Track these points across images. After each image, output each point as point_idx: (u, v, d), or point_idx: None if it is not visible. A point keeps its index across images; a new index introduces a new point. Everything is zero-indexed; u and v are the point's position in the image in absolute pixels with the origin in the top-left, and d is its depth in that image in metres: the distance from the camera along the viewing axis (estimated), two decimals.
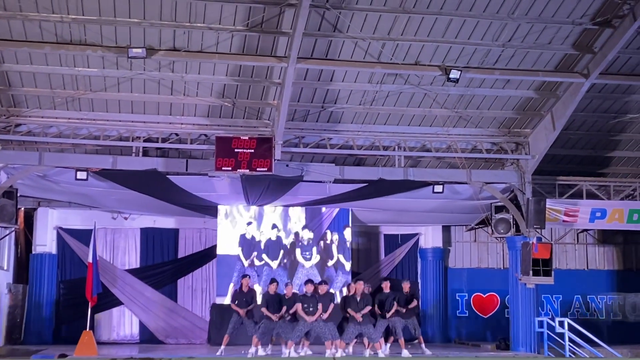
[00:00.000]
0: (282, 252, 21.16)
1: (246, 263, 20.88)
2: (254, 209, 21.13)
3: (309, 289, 16.70)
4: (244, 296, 17.40)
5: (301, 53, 16.34)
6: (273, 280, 17.50)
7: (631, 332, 24.12)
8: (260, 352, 16.86)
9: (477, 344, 21.94)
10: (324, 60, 17.25)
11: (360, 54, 17.20)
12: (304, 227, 21.44)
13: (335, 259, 21.43)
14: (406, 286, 17.92)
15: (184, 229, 22.67)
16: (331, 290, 18.62)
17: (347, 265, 21.39)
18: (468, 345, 22.25)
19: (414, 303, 17.82)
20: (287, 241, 21.29)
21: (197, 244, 22.67)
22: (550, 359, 18.60)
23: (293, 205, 21.10)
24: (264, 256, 21.00)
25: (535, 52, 17.56)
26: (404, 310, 17.45)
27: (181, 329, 21.84)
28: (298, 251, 21.23)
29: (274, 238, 21.18)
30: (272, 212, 21.27)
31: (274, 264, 21.02)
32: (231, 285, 20.52)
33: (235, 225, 21.08)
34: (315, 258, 21.31)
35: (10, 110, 18.35)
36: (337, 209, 21.53)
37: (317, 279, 19.93)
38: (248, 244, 21.06)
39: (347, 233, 21.59)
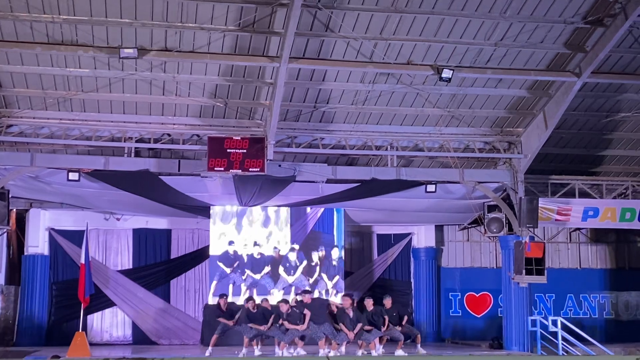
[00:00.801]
0: (265, 267, 21.05)
1: (228, 270, 20.79)
2: (240, 211, 21.01)
3: (293, 302, 17.03)
4: (224, 314, 17.79)
5: (293, 53, 16.33)
6: (250, 298, 17.63)
7: (624, 331, 24.17)
8: (257, 352, 16.96)
9: (470, 343, 21.95)
10: (316, 60, 17.24)
11: (352, 54, 17.19)
12: (291, 249, 21.18)
13: (315, 276, 21.28)
14: (388, 302, 17.74)
15: (176, 229, 22.58)
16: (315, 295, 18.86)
17: (329, 284, 21.21)
18: (461, 344, 22.24)
19: (405, 319, 17.75)
20: (270, 254, 21.17)
21: (190, 245, 22.59)
22: (543, 357, 18.63)
23: (285, 206, 21.04)
24: (247, 271, 20.88)
25: (527, 51, 17.59)
26: (399, 329, 17.38)
27: (174, 330, 21.77)
28: (281, 268, 21.09)
29: (256, 255, 21.04)
30: (259, 213, 21.12)
31: (258, 276, 20.94)
32: (214, 283, 20.52)
33: (227, 225, 20.99)
34: (298, 273, 21.19)
35: (2, 111, 18.29)
36: (322, 209, 21.43)
37: (302, 284, 20.43)
38: (230, 259, 20.95)
39: (335, 252, 21.42)
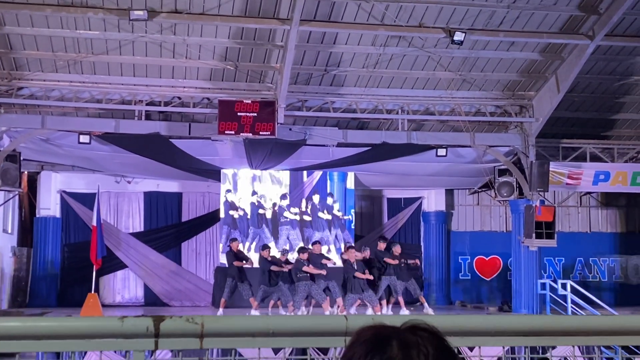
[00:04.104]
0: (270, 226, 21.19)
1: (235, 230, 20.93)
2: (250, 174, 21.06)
3: (303, 256, 17.12)
4: (236, 257, 18.03)
5: (304, 15, 16.18)
6: (265, 247, 17.91)
7: (633, 294, 24.22)
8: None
9: (479, 306, 22.07)
10: (327, 23, 17.11)
11: (363, 16, 17.06)
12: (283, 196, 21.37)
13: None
14: (397, 250, 18.02)
15: (187, 192, 22.70)
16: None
17: (325, 216, 21.34)
18: (470, 307, 22.37)
19: (416, 262, 18.03)
20: (268, 207, 21.26)
21: (201, 208, 22.72)
22: (552, 316, 18.72)
23: (297, 170, 21.08)
24: (252, 228, 20.99)
25: (540, 13, 17.39)
26: (403, 264, 17.67)
27: (185, 292, 21.98)
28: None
29: (267, 215, 21.16)
30: (267, 177, 21.19)
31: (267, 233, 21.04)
32: (220, 245, 20.67)
33: (237, 190, 21.06)
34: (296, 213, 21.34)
35: (12, 73, 18.26)
36: (318, 175, 21.44)
37: (298, 241, 20.48)
38: (237, 220, 21.07)
39: (338, 213, 21.55)
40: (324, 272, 16.98)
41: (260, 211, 21.03)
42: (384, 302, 17.50)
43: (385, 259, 17.82)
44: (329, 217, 21.29)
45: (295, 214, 21.20)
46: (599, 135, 22.45)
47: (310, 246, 18.16)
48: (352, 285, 16.91)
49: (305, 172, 21.38)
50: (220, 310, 17.30)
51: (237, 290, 17.90)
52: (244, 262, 17.98)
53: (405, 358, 1.87)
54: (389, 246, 18.48)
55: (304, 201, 21.31)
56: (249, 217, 20.93)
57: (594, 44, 17.62)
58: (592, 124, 22.30)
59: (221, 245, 20.67)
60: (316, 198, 21.34)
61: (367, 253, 18.05)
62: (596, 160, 21.39)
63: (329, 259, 17.96)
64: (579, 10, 17.31)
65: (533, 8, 17.13)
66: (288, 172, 21.15)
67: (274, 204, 21.12)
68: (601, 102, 21.58)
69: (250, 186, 21.08)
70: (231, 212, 20.93)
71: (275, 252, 19.04)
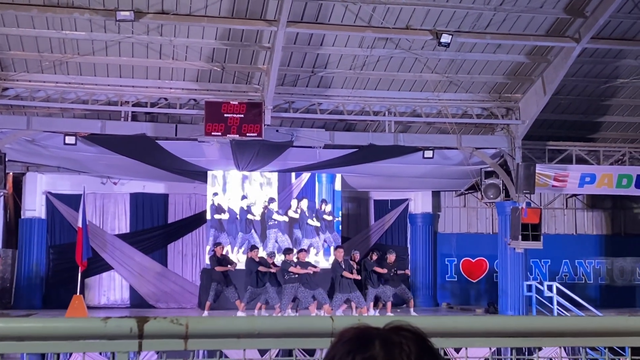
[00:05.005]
0: (256, 228, 21.14)
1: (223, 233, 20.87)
2: (238, 175, 21.02)
3: (290, 257, 17.24)
4: (219, 262, 18.06)
5: (291, 17, 16.18)
6: (254, 247, 17.91)
7: (619, 296, 24.34)
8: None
9: (466, 308, 22.11)
10: (314, 24, 17.11)
11: (350, 18, 17.06)
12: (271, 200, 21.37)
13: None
14: (391, 258, 18.16)
15: (173, 194, 22.62)
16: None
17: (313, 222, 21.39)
18: (457, 309, 22.40)
19: (406, 272, 18.20)
20: (256, 211, 21.23)
21: (187, 209, 22.66)
22: (539, 317, 18.77)
23: (284, 171, 21.05)
24: (240, 233, 20.95)
25: (526, 16, 17.46)
26: (392, 273, 17.77)
27: (171, 294, 21.91)
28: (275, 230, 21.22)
29: (253, 217, 21.12)
30: (255, 179, 21.13)
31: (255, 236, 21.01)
32: (207, 247, 20.64)
33: (226, 192, 21.02)
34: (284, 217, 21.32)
35: None
36: (307, 177, 21.42)
37: (286, 244, 20.35)
38: (223, 223, 21.05)
39: (327, 215, 21.55)
40: (310, 270, 16.99)
41: (249, 216, 20.97)
42: (371, 304, 17.57)
43: (375, 268, 17.94)
44: (318, 224, 21.26)
45: (284, 214, 21.17)
46: (585, 138, 22.54)
47: (296, 253, 18.07)
48: (340, 285, 16.94)
49: (293, 174, 21.36)
50: (205, 313, 17.27)
51: (222, 295, 17.93)
52: (228, 266, 17.98)
53: (388, 357, 1.86)
54: (383, 255, 18.68)
55: (292, 203, 21.29)
56: (238, 217, 20.88)
57: (580, 46, 17.70)
58: (578, 126, 22.40)
59: (208, 247, 20.60)
60: (304, 203, 21.30)
61: (356, 255, 18.22)
62: (582, 162, 21.48)
63: (315, 266, 17.90)
64: (565, 13, 17.38)
65: (520, 11, 17.19)
66: (276, 174, 21.13)
67: (264, 207, 21.07)
68: (587, 104, 21.67)
69: (239, 189, 21.03)
70: (217, 216, 20.85)
71: (263, 253, 19.04)
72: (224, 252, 18.64)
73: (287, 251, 17.91)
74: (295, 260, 17.35)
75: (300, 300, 17.13)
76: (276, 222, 21.09)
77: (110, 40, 17.31)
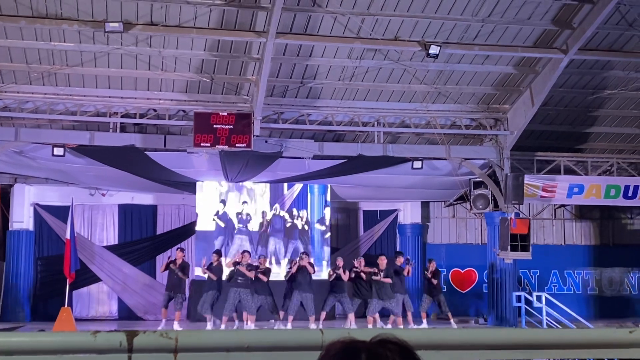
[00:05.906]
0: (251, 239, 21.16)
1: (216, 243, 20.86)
2: (227, 185, 20.98)
3: (241, 258, 17.68)
4: (215, 270, 18.14)
5: (280, 28, 16.22)
6: (245, 251, 17.99)
7: (607, 307, 24.38)
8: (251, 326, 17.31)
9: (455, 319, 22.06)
10: (303, 36, 17.15)
11: (339, 29, 17.11)
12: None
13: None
14: (382, 262, 18.21)
15: (162, 205, 22.53)
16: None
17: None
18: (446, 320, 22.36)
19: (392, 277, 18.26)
20: (250, 223, 21.24)
21: (176, 221, 22.56)
22: (529, 329, 18.79)
23: (272, 182, 21.02)
24: (236, 241, 20.95)
25: (514, 27, 17.56)
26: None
27: (160, 305, 21.73)
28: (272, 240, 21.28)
29: (247, 227, 21.14)
30: (245, 189, 21.13)
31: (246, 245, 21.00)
32: (204, 260, 20.61)
33: (213, 202, 20.98)
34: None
35: None
36: (298, 189, 21.44)
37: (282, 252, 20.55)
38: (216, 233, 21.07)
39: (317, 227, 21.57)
40: (252, 275, 17.24)
41: (242, 227, 20.96)
42: (352, 316, 17.78)
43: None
44: (308, 233, 21.29)
45: (277, 224, 21.18)
46: (573, 149, 22.65)
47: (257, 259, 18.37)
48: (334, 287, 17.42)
49: (285, 185, 21.34)
50: (223, 326, 17.35)
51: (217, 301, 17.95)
52: (216, 275, 17.99)
53: None
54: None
55: (285, 214, 21.26)
56: (235, 227, 20.89)
57: (567, 57, 17.80)
58: (566, 137, 22.50)
59: (204, 259, 20.54)
60: (297, 213, 21.31)
61: (340, 261, 18.25)
62: (570, 173, 21.56)
63: (265, 273, 17.95)
64: (553, 24, 17.49)
65: (507, 22, 17.29)
66: (268, 185, 21.10)
67: (263, 216, 21.09)
68: (575, 115, 21.78)
69: (235, 200, 20.97)
70: (207, 228, 20.79)
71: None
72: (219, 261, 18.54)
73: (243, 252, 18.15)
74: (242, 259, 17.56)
75: (243, 305, 17.37)
76: (269, 232, 21.10)
77: (99, 52, 17.30)
